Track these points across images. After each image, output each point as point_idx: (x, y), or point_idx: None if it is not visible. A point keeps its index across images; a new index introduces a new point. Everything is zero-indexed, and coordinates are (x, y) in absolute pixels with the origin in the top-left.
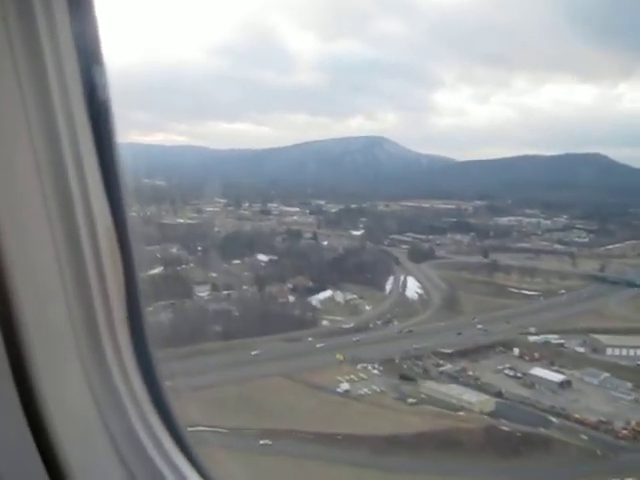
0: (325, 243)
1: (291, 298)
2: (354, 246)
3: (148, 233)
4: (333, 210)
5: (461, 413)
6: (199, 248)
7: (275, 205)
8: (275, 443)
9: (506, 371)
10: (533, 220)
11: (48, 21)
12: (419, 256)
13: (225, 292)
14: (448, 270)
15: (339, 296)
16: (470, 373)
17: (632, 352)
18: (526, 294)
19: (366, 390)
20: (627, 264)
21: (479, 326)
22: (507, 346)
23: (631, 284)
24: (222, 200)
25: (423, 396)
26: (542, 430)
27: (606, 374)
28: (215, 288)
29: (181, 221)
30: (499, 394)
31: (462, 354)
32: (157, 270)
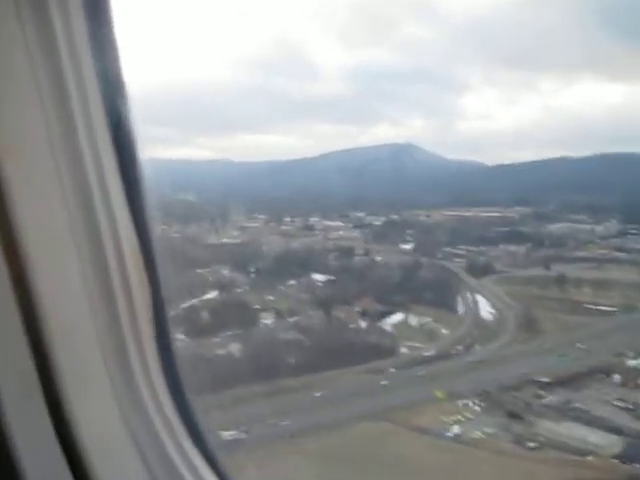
0: (378, 259)
1: (362, 323)
2: (409, 262)
3: (196, 255)
4: (376, 223)
5: (590, 458)
6: (251, 269)
7: (316, 219)
8: None
9: (615, 402)
10: (584, 227)
11: (68, 39)
12: (478, 270)
13: (291, 319)
14: (513, 285)
15: (413, 320)
16: (577, 405)
17: None
18: (603, 310)
19: (478, 433)
20: None
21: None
22: (605, 372)
23: None
24: (262, 216)
25: (542, 438)
26: None
27: None
28: (279, 314)
29: (226, 240)
30: (619, 431)
31: (561, 383)
32: (212, 295)
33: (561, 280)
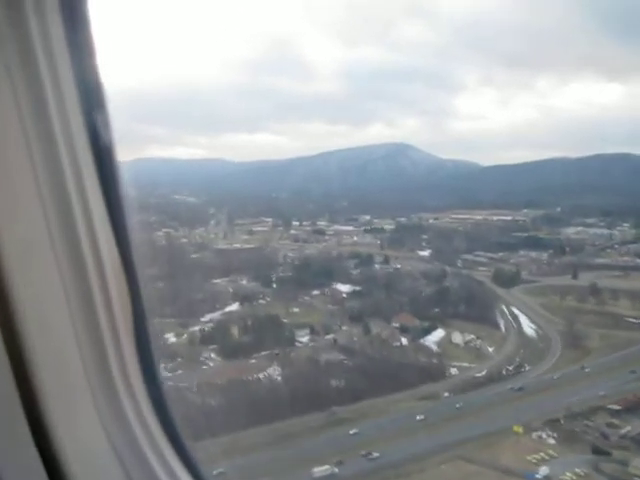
0: (398, 266)
1: (403, 340)
2: (431, 270)
3: (211, 262)
4: (386, 227)
5: None
6: (270, 278)
7: (324, 223)
8: None
9: None
10: (598, 231)
11: (44, 40)
12: (506, 280)
13: (327, 336)
14: (545, 296)
15: (456, 337)
16: None
17: None
18: None
19: (569, 474)
20: None
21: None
22: None
23: None
24: (268, 219)
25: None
26: None
27: None
28: (313, 330)
29: (238, 246)
30: None
31: (630, 410)
32: (234, 307)
33: (594, 290)
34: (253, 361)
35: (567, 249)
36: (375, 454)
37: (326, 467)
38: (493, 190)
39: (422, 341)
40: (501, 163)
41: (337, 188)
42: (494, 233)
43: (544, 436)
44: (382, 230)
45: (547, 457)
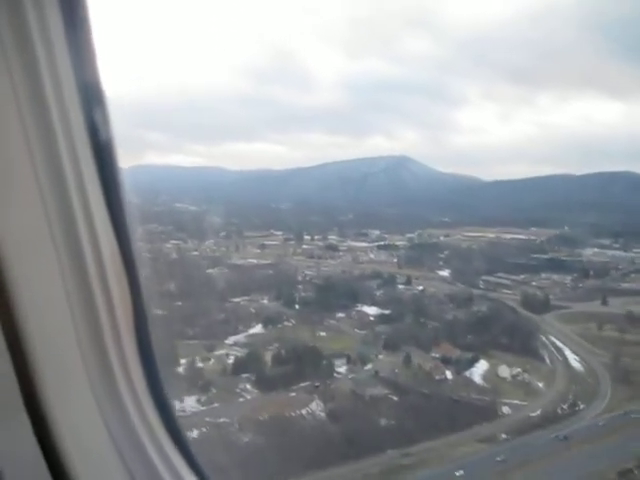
0: (421, 288)
1: (447, 373)
2: (456, 293)
3: (228, 279)
4: (398, 243)
5: None
6: (292, 298)
7: (335, 237)
8: None
9: None
10: (616, 253)
11: (44, 38)
12: (536, 305)
13: (366, 367)
14: (580, 324)
15: (504, 371)
16: None
17: None
18: None
19: None
20: None
21: None
22: None
23: None
24: (278, 232)
25: None
26: None
27: None
28: (350, 360)
29: (254, 261)
30: None
31: None
32: (258, 329)
33: (631, 319)
34: (293, 394)
35: (591, 272)
36: None
37: None
38: (496, 206)
39: (467, 374)
40: (501, 178)
41: (338, 200)
42: (510, 253)
43: None
44: (396, 247)
45: None
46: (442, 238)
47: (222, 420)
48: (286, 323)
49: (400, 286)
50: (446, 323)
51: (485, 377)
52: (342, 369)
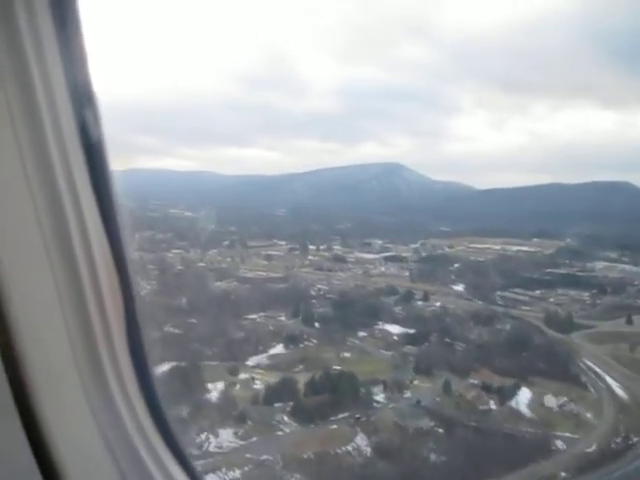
0: (438, 304)
1: (491, 403)
2: (475, 310)
3: (240, 294)
4: (404, 254)
5: None
6: (311, 315)
7: (338, 247)
8: None
9: None
10: (627, 267)
11: (34, 40)
12: (561, 325)
13: (404, 394)
14: (610, 345)
15: (550, 400)
16: None
17: None
18: None
19: None
20: None
21: None
22: None
23: None
24: (281, 242)
25: None
26: None
27: None
28: (386, 386)
29: (263, 274)
30: None
31: None
32: (279, 349)
33: None
34: (333, 426)
35: (609, 289)
36: None
37: None
38: (492, 215)
39: (511, 404)
40: (494, 187)
41: (332, 207)
42: (521, 266)
43: None
44: (404, 259)
45: None
46: (447, 249)
47: (265, 457)
48: (307, 343)
49: (418, 302)
50: (473, 344)
51: (531, 407)
52: (380, 397)
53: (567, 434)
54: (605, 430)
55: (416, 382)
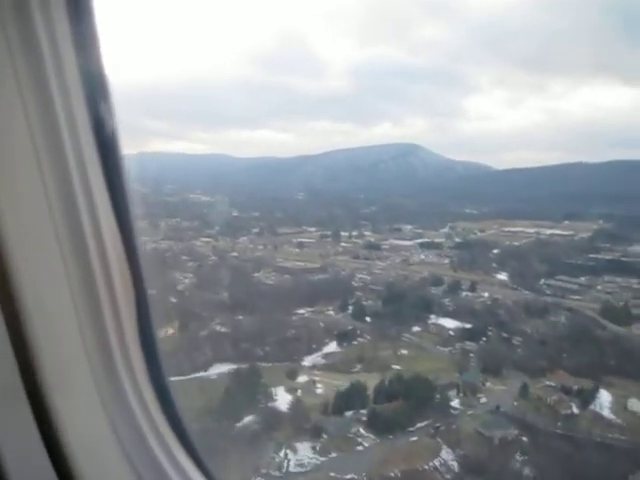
0: (487, 294)
1: (573, 407)
2: (526, 301)
3: (280, 285)
4: (437, 240)
5: None
6: (360, 309)
7: (369, 233)
8: None
9: None
10: None
11: (50, 38)
12: (619, 315)
13: (479, 399)
14: None
15: (634, 404)
16: None
17: None
18: None
19: None
20: None
21: None
22: None
23: None
24: (311, 229)
25: None
26: None
27: None
28: (459, 390)
29: (301, 264)
30: None
31: None
32: (333, 347)
33: None
34: (414, 438)
35: None
36: None
37: None
38: (514, 196)
39: (593, 408)
40: (512, 166)
41: (350, 189)
42: (561, 252)
43: None
44: (440, 246)
45: None
46: (479, 233)
47: (350, 477)
48: (360, 339)
49: (466, 293)
50: (532, 339)
51: (614, 410)
52: (454, 402)
53: None
54: None
55: (488, 384)
